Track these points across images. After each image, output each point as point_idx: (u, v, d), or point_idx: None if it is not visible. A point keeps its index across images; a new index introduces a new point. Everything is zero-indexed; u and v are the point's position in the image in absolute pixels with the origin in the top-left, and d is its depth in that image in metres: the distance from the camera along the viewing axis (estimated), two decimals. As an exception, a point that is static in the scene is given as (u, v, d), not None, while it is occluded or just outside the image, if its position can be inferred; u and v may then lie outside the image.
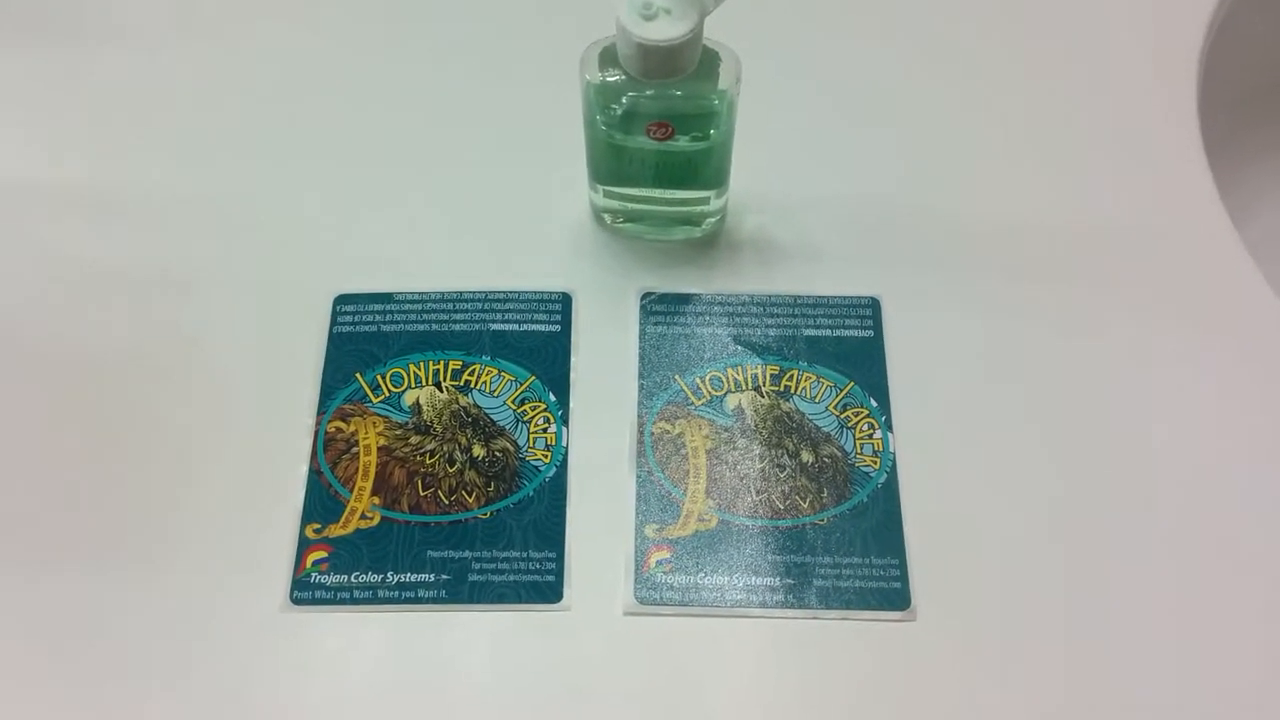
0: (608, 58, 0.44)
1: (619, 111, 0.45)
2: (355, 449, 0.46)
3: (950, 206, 0.53)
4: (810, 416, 0.47)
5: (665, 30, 0.41)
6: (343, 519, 0.45)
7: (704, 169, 0.48)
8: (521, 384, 0.48)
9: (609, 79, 0.44)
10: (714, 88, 0.44)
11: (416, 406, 0.47)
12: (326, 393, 0.48)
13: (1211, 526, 0.45)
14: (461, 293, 0.50)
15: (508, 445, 0.47)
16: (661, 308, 0.50)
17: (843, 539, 0.44)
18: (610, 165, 0.48)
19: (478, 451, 0.46)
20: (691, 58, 0.43)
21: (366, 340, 0.49)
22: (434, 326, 0.49)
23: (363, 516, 0.45)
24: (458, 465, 0.46)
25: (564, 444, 0.47)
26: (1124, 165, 0.54)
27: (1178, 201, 0.53)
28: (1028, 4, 0.59)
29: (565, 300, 0.50)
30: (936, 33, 0.59)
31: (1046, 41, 0.58)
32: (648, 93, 0.44)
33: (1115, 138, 0.55)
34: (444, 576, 0.44)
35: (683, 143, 0.46)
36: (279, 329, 0.50)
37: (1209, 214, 0.52)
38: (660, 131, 0.45)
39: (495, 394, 0.48)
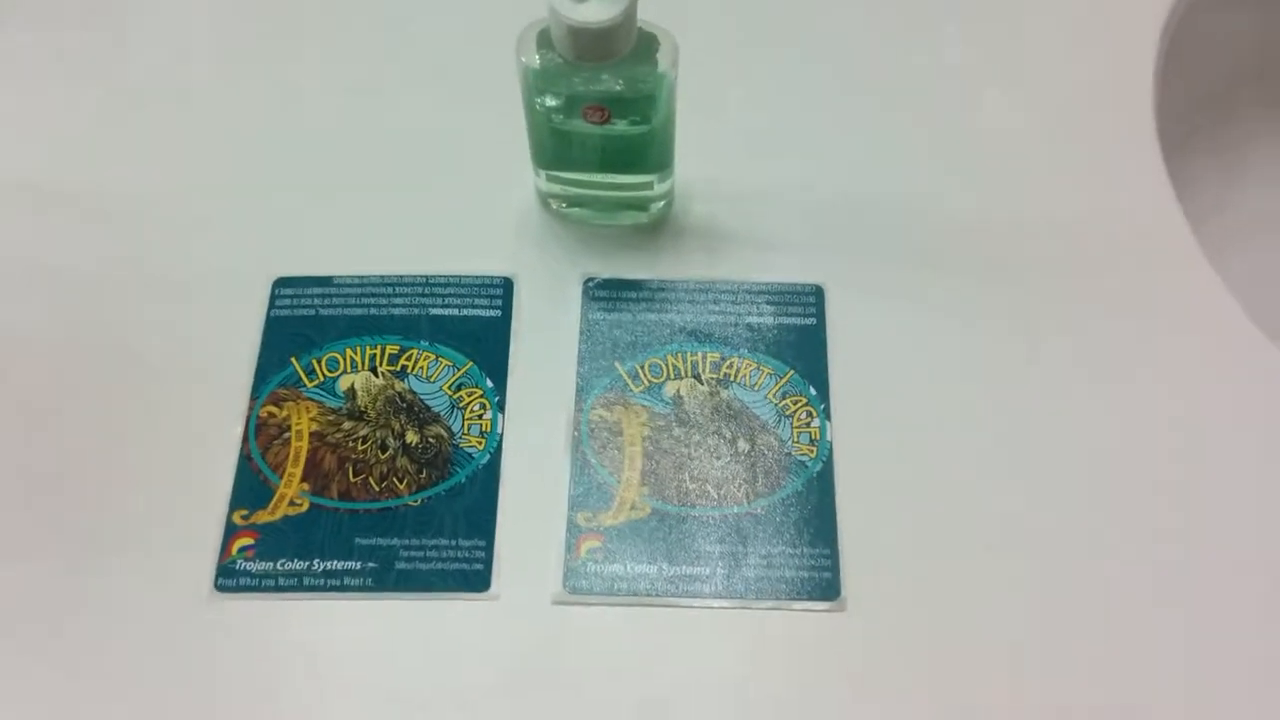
0: (545, 39, 0.44)
1: (557, 95, 0.44)
2: (287, 434, 0.46)
3: (898, 198, 0.52)
4: (749, 404, 0.47)
5: (597, 12, 0.41)
6: (271, 505, 0.44)
7: (645, 153, 0.47)
8: (459, 369, 0.47)
9: (544, 61, 0.43)
10: (652, 70, 0.44)
11: (351, 392, 0.47)
12: (261, 377, 0.47)
13: (1150, 523, 0.44)
14: (401, 277, 0.50)
15: (442, 431, 0.46)
16: (604, 293, 0.49)
17: (776, 528, 0.44)
18: (551, 149, 0.48)
19: (411, 438, 0.46)
20: (625, 40, 0.42)
21: (304, 324, 0.48)
22: (372, 310, 0.49)
23: (291, 503, 0.44)
24: (390, 451, 0.45)
25: (499, 431, 0.46)
26: (1078, 165, 0.53)
27: (1132, 201, 0.52)
28: (981, 3, 0.58)
29: (507, 285, 0.50)
30: (889, 26, 0.58)
31: (1002, 41, 0.57)
32: (582, 75, 0.43)
33: (1070, 137, 0.54)
34: (370, 564, 0.43)
35: (621, 126, 0.45)
36: (217, 312, 0.49)
37: (1164, 214, 0.51)
38: (596, 115, 0.44)
39: (432, 379, 0.47)
